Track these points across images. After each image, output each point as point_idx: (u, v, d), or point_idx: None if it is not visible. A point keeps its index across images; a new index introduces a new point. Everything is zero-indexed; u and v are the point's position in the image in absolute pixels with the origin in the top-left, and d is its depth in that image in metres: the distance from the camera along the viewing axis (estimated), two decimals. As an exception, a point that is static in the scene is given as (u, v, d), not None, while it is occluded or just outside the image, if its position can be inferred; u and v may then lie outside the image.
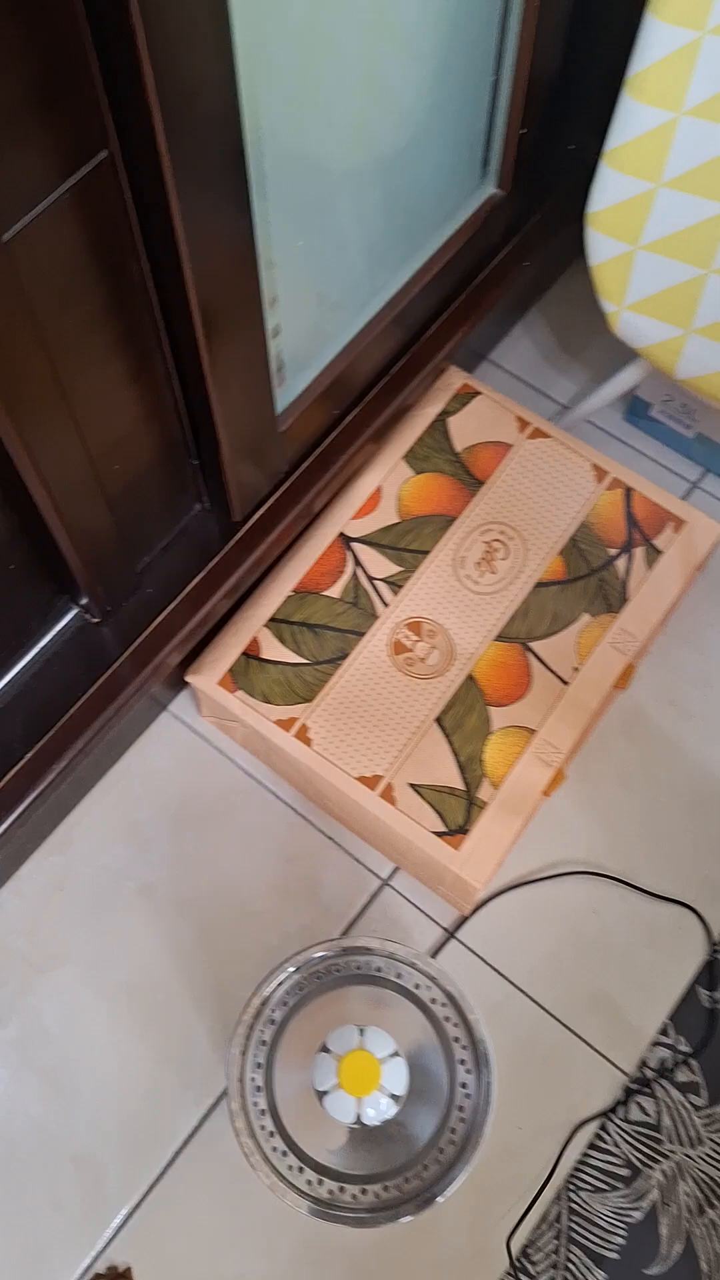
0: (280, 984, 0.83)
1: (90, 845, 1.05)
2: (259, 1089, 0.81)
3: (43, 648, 0.94)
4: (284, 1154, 0.78)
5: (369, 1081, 0.77)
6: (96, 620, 0.94)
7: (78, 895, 1.03)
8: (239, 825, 1.06)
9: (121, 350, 0.74)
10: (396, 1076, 0.79)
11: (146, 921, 1.02)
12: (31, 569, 0.89)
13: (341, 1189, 0.77)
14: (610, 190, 0.89)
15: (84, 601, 0.94)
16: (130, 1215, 0.92)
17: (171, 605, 0.96)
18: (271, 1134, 0.79)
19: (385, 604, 1.02)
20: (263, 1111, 0.80)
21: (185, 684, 1.09)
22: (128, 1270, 0.90)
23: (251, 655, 1.00)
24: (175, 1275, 0.90)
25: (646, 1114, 0.96)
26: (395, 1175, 0.79)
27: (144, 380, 0.78)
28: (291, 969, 0.83)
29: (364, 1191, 0.76)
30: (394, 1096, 0.79)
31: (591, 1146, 0.95)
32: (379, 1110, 0.78)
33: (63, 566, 0.89)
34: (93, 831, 1.05)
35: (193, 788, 1.08)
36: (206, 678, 1.00)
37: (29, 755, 0.89)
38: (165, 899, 1.03)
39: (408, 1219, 0.76)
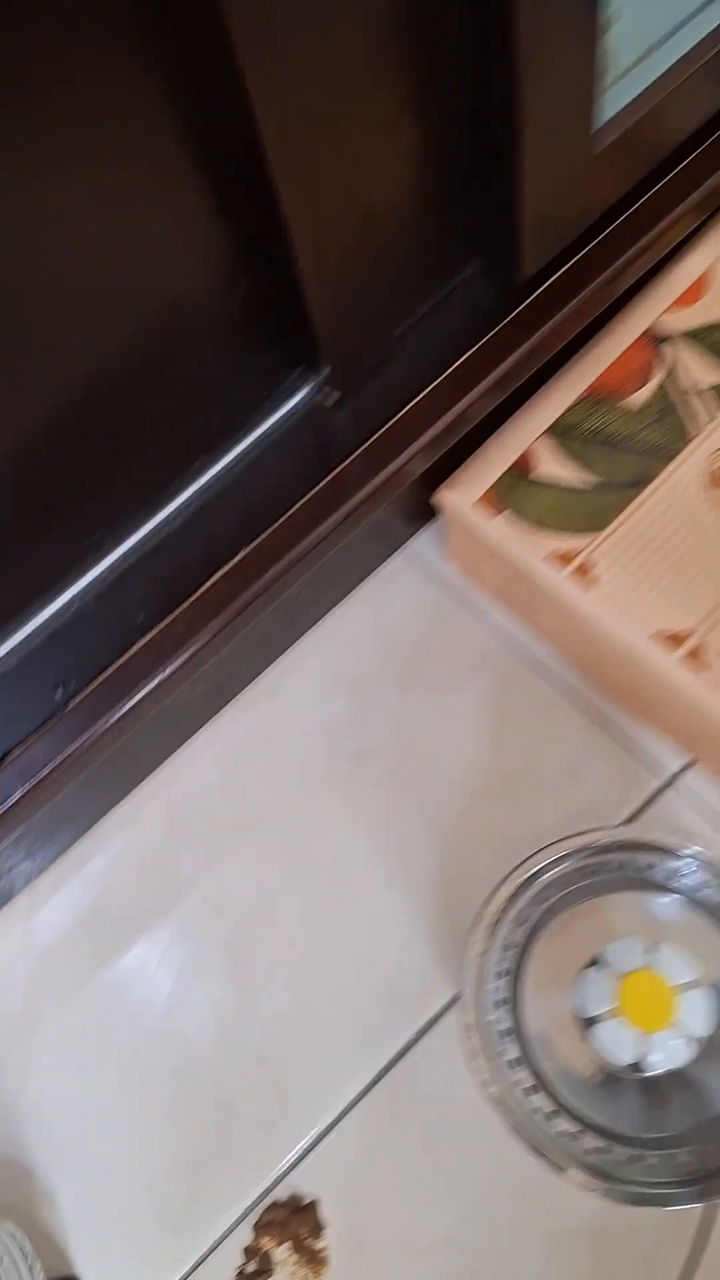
0: (539, 875, 0.62)
1: (301, 697, 0.87)
2: (502, 1003, 0.61)
3: (262, 433, 0.76)
4: (530, 1091, 0.57)
5: (660, 1013, 0.56)
6: (332, 401, 0.75)
7: (282, 753, 0.86)
8: (481, 693, 0.86)
9: (415, 37, 0.53)
10: (697, 1012, 0.57)
11: (360, 792, 0.84)
12: (261, 327, 0.70)
13: (610, 1148, 0.56)
14: None
15: (321, 375, 0.74)
16: (320, 1139, 0.74)
17: (428, 389, 0.75)
18: (515, 1063, 0.58)
19: (704, 421, 0.78)
20: (505, 1033, 0.60)
21: (427, 519, 0.89)
22: (313, 1205, 0.72)
23: (522, 472, 0.79)
24: (370, 1221, 0.72)
25: None
26: (681, 1143, 0.57)
27: (435, 76, 0.58)
28: (557, 857, 0.62)
29: (654, 1157, 0.54)
30: (691, 1038, 0.56)
31: None
32: (668, 1054, 0.56)
33: (302, 324, 0.70)
34: (306, 682, 0.88)
35: (428, 644, 0.88)
36: (462, 494, 0.79)
37: (236, 559, 0.71)
38: (384, 769, 0.84)
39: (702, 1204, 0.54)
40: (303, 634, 0.92)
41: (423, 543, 0.94)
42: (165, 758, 0.90)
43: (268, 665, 0.91)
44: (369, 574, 0.93)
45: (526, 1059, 0.61)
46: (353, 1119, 0.77)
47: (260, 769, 0.88)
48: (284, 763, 0.88)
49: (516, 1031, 0.62)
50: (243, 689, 0.91)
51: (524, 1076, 0.61)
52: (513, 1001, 0.63)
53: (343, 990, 0.80)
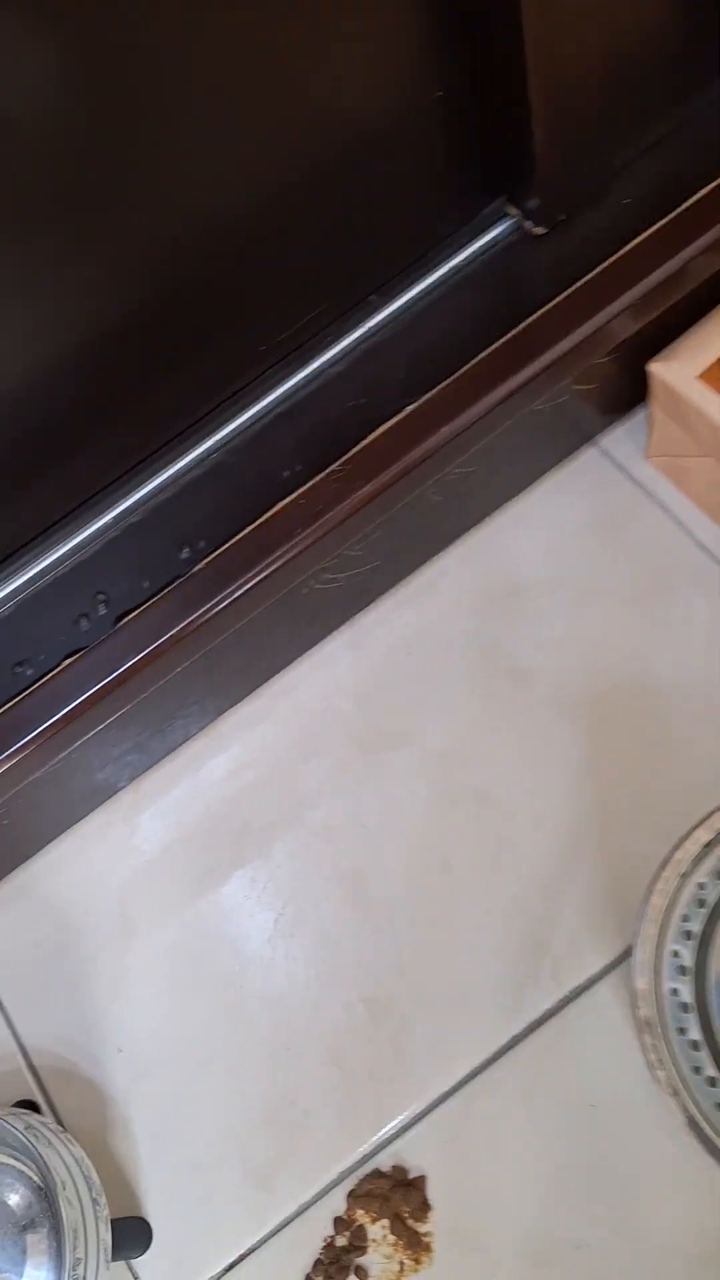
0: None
1: (458, 601, 0.77)
2: (685, 973, 0.48)
3: (447, 271, 0.67)
4: (715, 1081, 0.45)
5: None
6: (539, 232, 0.62)
7: (429, 664, 0.75)
8: (673, 612, 0.74)
9: None
10: None
11: (516, 717, 0.74)
12: (466, 137, 0.60)
13: None
14: None
15: (527, 205, 0.62)
16: (435, 1106, 0.64)
17: (648, 232, 0.63)
18: (697, 1045, 0.46)
19: None
20: (686, 1008, 0.47)
21: (626, 409, 0.77)
22: (420, 1180, 0.62)
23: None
24: (484, 1212, 0.62)
25: None
26: None
27: None
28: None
29: None
30: None
31: None
32: None
33: (517, 137, 0.59)
34: (465, 585, 0.77)
35: (614, 554, 0.76)
36: (681, 368, 0.66)
37: (403, 414, 0.60)
38: (546, 693, 0.73)
39: None
40: (467, 529, 0.80)
41: (618, 437, 0.81)
42: (297, 656, 0.80)
43: (423, 561, 0.80)
44: (551, 467, 0.81)
45: (712, 1042, 0.49)
46: (476, 1088, 0.66)
47: (403, 680, 0.77)
48: (431, 675, 0.77)
49: (700, 1008, 0.50)
50: (391, 586, 0.80)
51: (707, 1062, 0.48)
52: (698, 972, 0.51)
53: (477, 940, 0.69)
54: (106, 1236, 0.62)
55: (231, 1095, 0.70)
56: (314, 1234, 0.67)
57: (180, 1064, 0.72)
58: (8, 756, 0.62)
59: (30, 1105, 0.72)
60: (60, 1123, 0.72)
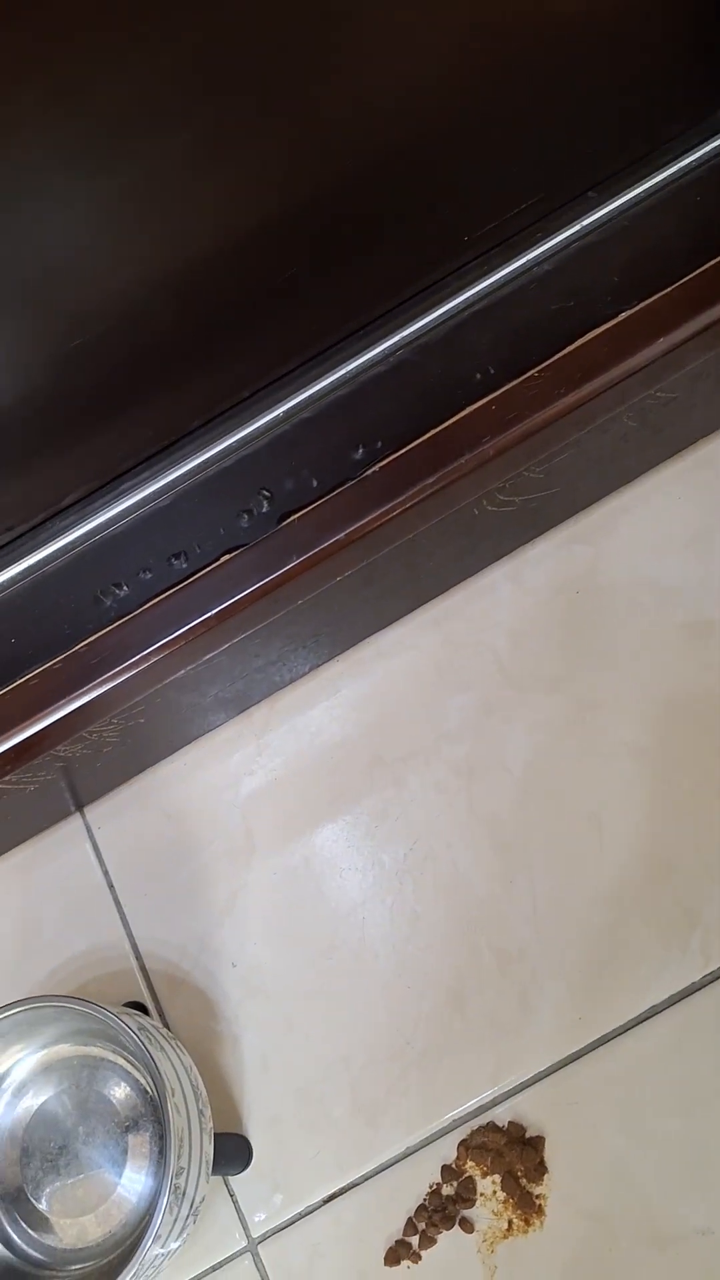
0: None
1: (637, 543, 0.74)
2: None
3: (679, 169, 0.62)
4: None
5: None
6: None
7: (596, 607, 0.73)
8: None
9: None
10: None
11: (689, 672, 0.70)
12: (709, 37, 0.55)
13: None
14: None
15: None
16: (563, 1065, 0.62)
17: None
18: None
19: None
20: None
21: None
22: (538, 1140, 0.60)
23: None
24: (606, 1184, 0.60)
25: None
26: None
27: None
28: None
29: None
30: None
31: None
32: None
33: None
34: (648, 525, 0.74)
35: None
36: None
37: (615, 320, 0.57)
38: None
39: None
40: (659, 462, 0.76)
41: None
42: (455, 583, 0.78)
43: (604, 495, 0.77)
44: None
45: None
46: (606, 1054, 0.64)
47: (565, 620, 0.74)
48: (597, 618, 0.74)
49: None
50: (565, 519, 0.77)
51: None
52: None
53: (621, 901, 0.67)
54: (209, 1149, 0.62)
55: (345, 1026, 0.70)
56: (420, 1179, 0.66)
57: (294, 988, 0.71)
58: (155, 650, 0.62)
59: (139, 1007, 0.73)
60: (169, 1029, 0.72)
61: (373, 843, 0.73)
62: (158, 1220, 0.55)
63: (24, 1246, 0.62)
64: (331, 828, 0.75)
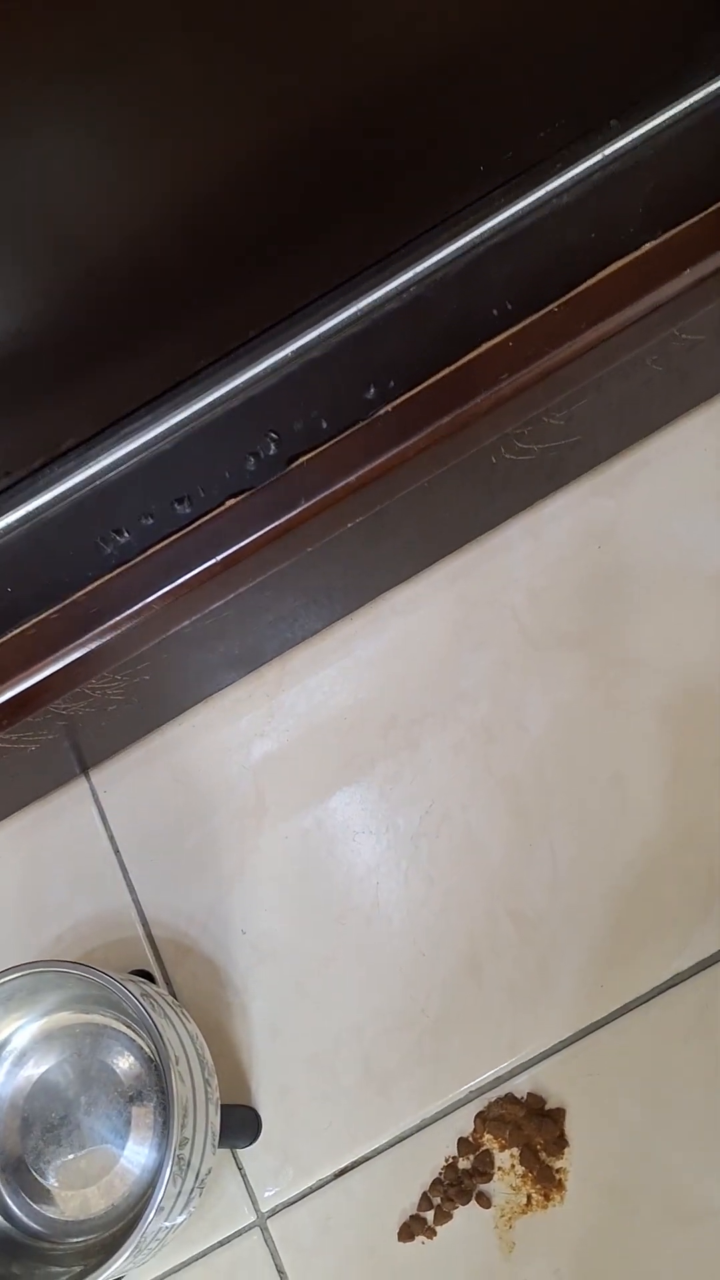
0: None
1: (655, 495, 0.72)
2: None
3: (712, 92, 0.57)
4: None
5: None
6: None
7: (621, 563, 0.71)
8: None
9: None
10: None
11: (714, 626, 0.66)
12: None
13: None
14: None
15: None
16: (584, 1035, 0.60)
17: None
18: None
19: None
20: None
21: None
22: (559, 1113, 0.58)
23: None
24: (629, 1159, 0.58)
25: None
26: None
27: None
28: None
29: None
30: None
31: None
32: None
33: None
34: (667, 478, 0.71)
35: None
36: None
37: (639, 251, 0.55)
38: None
39: None
40: (683, 411, 0.74)
41: None
42: (472, 537, 0.75)
43: (627, 445, 0.74)
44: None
45: None
46: (628, 1024, 0.62)
47: (586, 577, 0.72)
48: (619, 574, 0.71)
49: None
50: (587, 470, 0.74)
51: None
52: None
53: (644, 866, 0.65)
54: (215, 1120, 0.60)
55: (358, 995, 0.67)
56: (435, 1152, 0.64)
57: (305, 955, 0.69)
58: (158, 599, 0.59)
59: (145, 976, 0.71)
60: (175, 997, 0.70)
61: (387, 805, 0.71)
62: (160, 1193, 0.53)
63: (24, 1218, 0.61)
64: (345, 791, 0.72)
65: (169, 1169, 0.54)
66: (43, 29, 0.43)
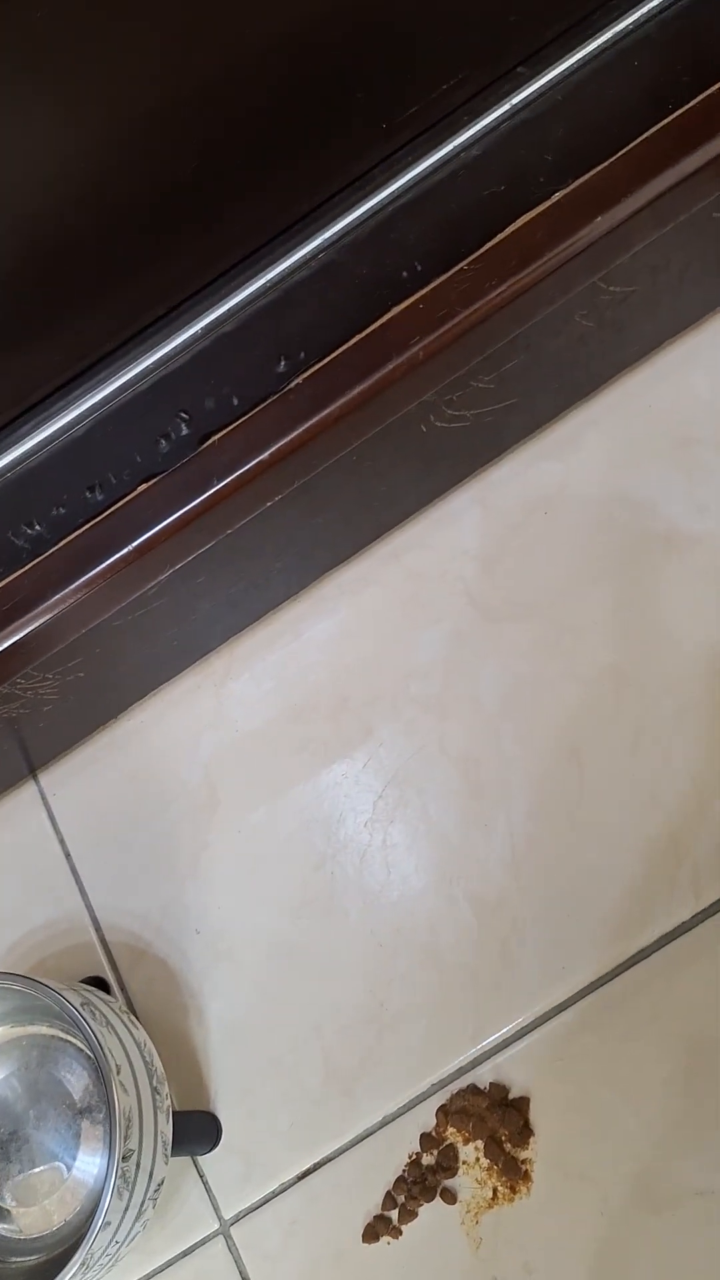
0: None
1: (608, 455, 0.71)
2: None
3: (623, 29, 0.58)
4: None
5: None
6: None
7: (569, 526, 0.70)
8: None
9: None
10: None
11: (667, 587, 0.66)
12: None
13: None
14: None
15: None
16: (544, 1020, 0.58)
17: None
18: None
19: None
20: None
21: None
22: (523, 1101, 0.56)
23: None
24: (595, 1145, 0.56)
25: None
26: None
27: None
28: None
29: None
30: None
31: None
32: None
33: None
34: (618, 435, 0.71)
35: None
36: None
37: (553, 198, 0.53)
38: (706, 562, 0.64)
39: None
40: (623, 368, 0.71)
41: None
42: (415, 510, 0.73)
43: (567, 406, 0.72)
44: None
45: None
46: (592, 1004, 0.60)
47: (536, 543, 0.70)
48: (570, 540, 0.69)
49: None
50: (529, 435, 0.72)
51: None
52: None
53: (605, 838, 0.63)
54: (167, 1129, 0.59)
55: (316, 990, 0.66)
56: (398, 1149, 0.62)
57: (262, 953, 0.68)
58: (74, 590, 0.58)
59: (99, 983, 0.69)
60: (130, 1004, 0.69)
61: (342, 792, 0.69)
62: (105, 1208, 0.52)
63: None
64: (298, 779, 0.71)
65: (113, 1182, 0.52)
66: None
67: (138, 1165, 0.55)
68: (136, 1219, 0.56)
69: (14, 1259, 0.59)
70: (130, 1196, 0.54)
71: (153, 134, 0.52)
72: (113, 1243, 0.54)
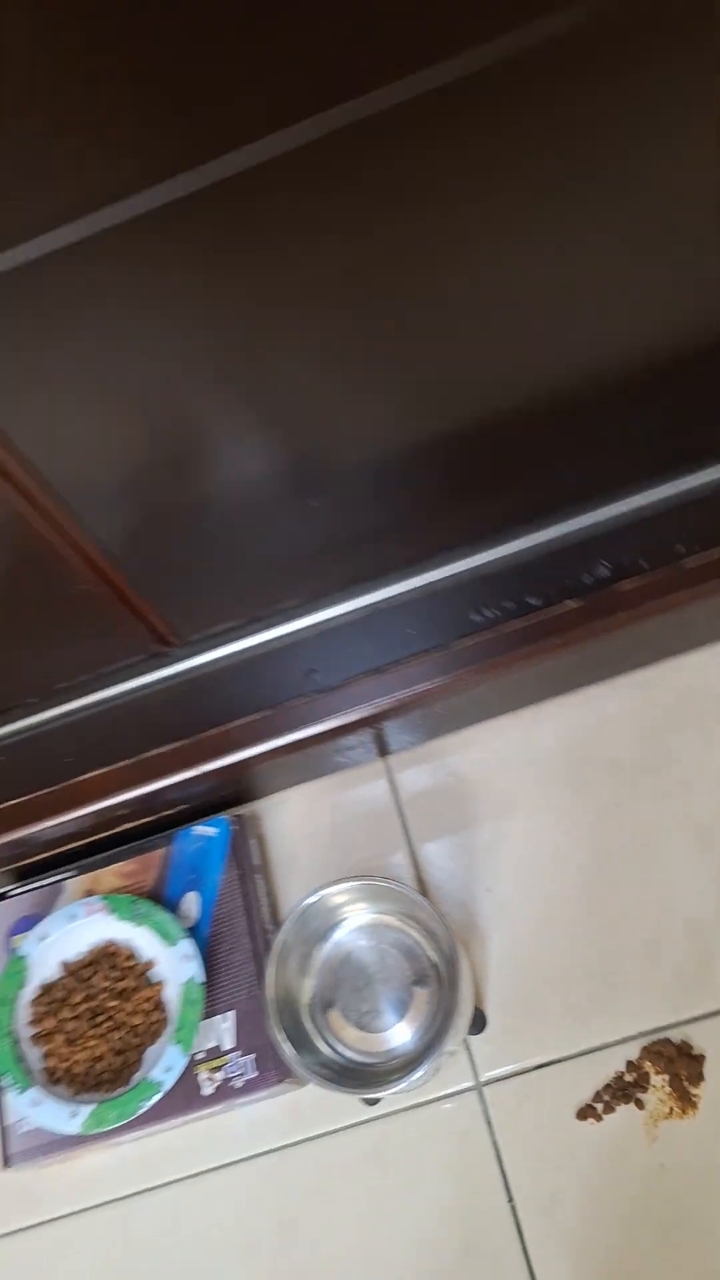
0: None
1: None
2: None
3: None
4: None
5: None
6: None
7: None
8: None
9: None
10: None
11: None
12: None
13: None
14: None
15: None
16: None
17: None
18: None
19: None
20: None
21: None
22: (701, 1057, 0.87)
23: None
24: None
25: None
26: None
27: None
28: None
29: None
30: None
31: None
32: None
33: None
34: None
35: None
36: None
37: None
38: None
39: None
40: None
41: None
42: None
43: None
44: None
45: None
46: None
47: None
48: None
49: None
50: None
51: None
52: None
53: None
54: (468, 1009, 0.91)
55: (569, 950, 0.97)
56: (609, 1066, 0.93)
57: (536, 914, 0.99)
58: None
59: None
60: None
61: (624, 812, 1.01)
62: (442, 1045, 0.84)
63: (342, 1048, 0.92)
64: (582, 801, 1.02)
65: (448, 1032, 0.85)
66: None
67: (455, 1022, 0.87)
68: (439, 1058, 0.88)
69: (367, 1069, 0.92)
70: (445, 1043, 0.87)
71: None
72: (427, 1071, 0.87)
